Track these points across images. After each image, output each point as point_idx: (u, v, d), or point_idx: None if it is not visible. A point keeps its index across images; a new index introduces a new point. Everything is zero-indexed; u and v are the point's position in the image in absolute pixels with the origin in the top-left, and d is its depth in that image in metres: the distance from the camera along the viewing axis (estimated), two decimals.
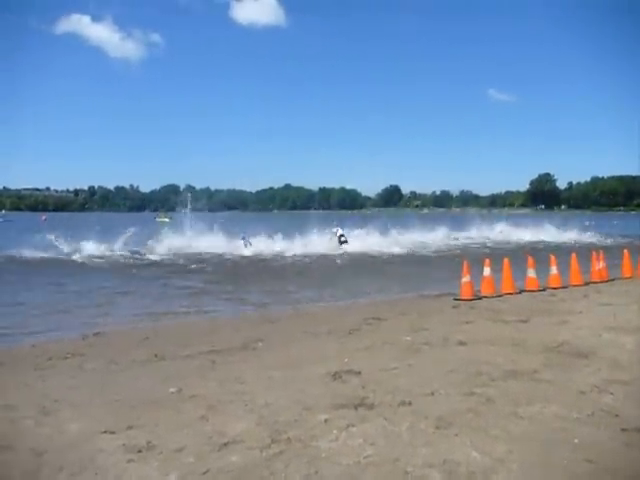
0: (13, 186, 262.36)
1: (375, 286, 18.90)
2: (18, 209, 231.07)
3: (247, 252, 31.24)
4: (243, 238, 33.48)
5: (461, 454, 5.28)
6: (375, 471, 5.01)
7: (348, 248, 32.29)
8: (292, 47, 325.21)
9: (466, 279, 14.54)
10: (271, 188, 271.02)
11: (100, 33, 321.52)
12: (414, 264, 26.78)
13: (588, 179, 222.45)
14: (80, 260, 27.02)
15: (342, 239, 33.80)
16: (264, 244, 33.53)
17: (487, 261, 15.28)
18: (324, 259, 28.56)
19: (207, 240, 34.45)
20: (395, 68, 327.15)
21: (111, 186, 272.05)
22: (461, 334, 9.97)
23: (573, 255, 17.73)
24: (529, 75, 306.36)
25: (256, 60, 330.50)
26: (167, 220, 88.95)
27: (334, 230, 35.26)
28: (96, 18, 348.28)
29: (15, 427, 6.32)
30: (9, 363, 9.16)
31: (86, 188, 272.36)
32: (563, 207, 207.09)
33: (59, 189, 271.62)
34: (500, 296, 14.62)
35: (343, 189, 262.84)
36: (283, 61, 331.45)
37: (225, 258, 28.98)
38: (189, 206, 43.87)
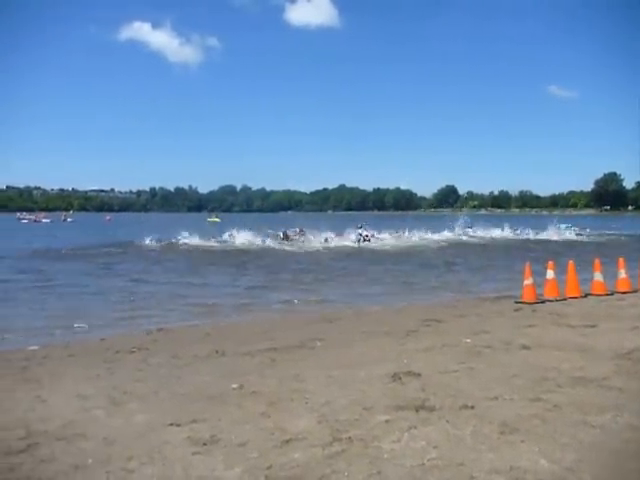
0: (81, 187, 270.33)
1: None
2: (84, 210, 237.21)
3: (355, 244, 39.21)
4: (361, 226, 43.03)
5: (528, 461, 5.15)
6: (439, 474, 4.93)
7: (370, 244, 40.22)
8: (346, 47, 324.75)
9: (528, 282, 14.27)
10: (325, 189, 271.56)
11: (160, 39, 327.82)
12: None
13: None
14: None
15: (367, 238, 42.22)
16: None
17: (550, 264, 14.97)
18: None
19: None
20: (451, 68, 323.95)
21: (171, 187, 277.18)
22: (524, 338, 9.78)
23: None
24: (591, 70, 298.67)
25: (310, 61, 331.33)
26: (217, 220, 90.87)
27: (359, 231, 43.68)
28: (156, 25, 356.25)
29: (88, 416, 6.50)
30: (80, 354, 9.45)
31: (147, 189, 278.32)
32: (630, 208, 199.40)
33: (123, 190, 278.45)
34: (564, 300, 14.27)
35: (398, 189, 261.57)
36: (337, 61, 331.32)
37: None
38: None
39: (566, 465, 5.07)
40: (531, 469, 5.00)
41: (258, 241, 39.93)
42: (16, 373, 8.37)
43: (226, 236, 41.64)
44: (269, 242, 39.25)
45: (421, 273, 23.82)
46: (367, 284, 20.24)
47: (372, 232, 44.62)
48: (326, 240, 40.92)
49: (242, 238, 40.61)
